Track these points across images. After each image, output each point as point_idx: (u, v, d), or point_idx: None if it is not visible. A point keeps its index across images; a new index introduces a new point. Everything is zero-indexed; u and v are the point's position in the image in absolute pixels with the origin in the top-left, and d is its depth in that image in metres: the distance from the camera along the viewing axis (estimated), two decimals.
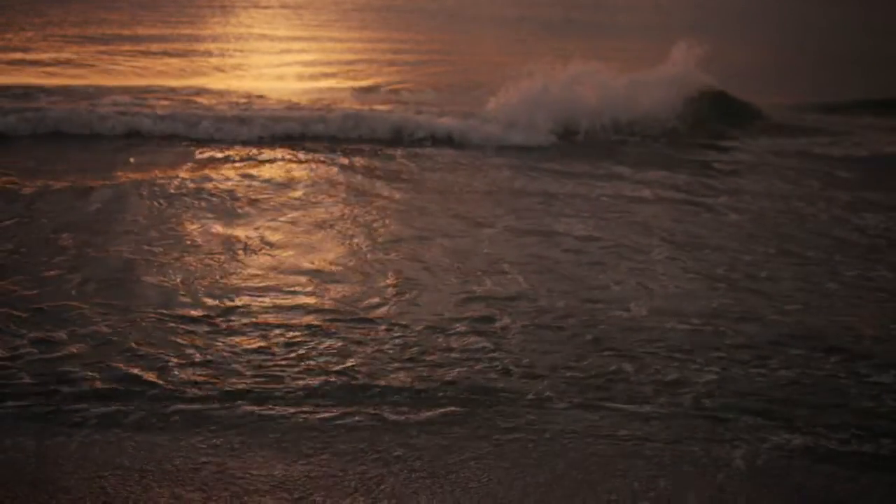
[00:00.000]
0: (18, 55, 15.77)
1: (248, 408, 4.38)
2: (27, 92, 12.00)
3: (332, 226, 7.29)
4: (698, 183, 9.29)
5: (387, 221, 7.48)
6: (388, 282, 6.05)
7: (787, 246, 7.18)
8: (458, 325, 5.39)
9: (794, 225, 7.83)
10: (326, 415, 4.35)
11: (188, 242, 6.73)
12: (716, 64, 12.98)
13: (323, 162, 9.69)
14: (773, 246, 7.18)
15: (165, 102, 11.80)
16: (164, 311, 5.42)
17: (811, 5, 37.20)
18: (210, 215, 7.44)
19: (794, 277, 6.44)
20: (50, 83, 12.93)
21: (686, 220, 7.90)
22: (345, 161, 9.74)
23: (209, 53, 17.80)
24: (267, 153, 9.98)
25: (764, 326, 5.54)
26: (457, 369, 4.82)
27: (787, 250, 7.07)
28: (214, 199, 7.94)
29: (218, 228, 7.10)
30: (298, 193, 8.29)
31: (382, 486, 3.79)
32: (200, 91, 13.01)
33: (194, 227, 7.13)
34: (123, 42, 18.37)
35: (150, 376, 4.62)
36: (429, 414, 4.39)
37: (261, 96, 12.72)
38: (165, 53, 17.22)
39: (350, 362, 4.86)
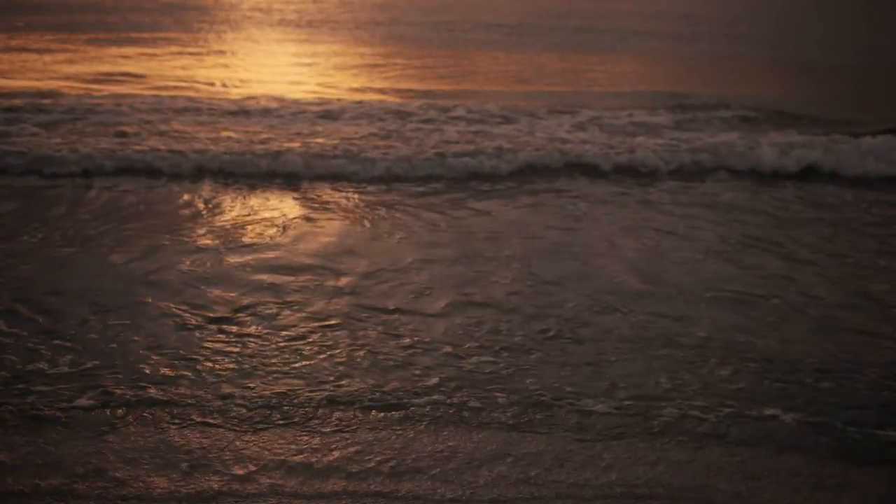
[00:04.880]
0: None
1: (268, 409, 4.45)
2: None
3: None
4: None
5: None
6: None
7: None
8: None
9: None
10: (350, 417, 4.42)
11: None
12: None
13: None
14: None
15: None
16: (187, 314, 5.51)
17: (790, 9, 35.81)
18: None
19: None
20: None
21: None
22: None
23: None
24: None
25: None
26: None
27: None
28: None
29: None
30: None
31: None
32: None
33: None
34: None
35: (172, 381, 4.70)
36: (449, 415, 4.46)
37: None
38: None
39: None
